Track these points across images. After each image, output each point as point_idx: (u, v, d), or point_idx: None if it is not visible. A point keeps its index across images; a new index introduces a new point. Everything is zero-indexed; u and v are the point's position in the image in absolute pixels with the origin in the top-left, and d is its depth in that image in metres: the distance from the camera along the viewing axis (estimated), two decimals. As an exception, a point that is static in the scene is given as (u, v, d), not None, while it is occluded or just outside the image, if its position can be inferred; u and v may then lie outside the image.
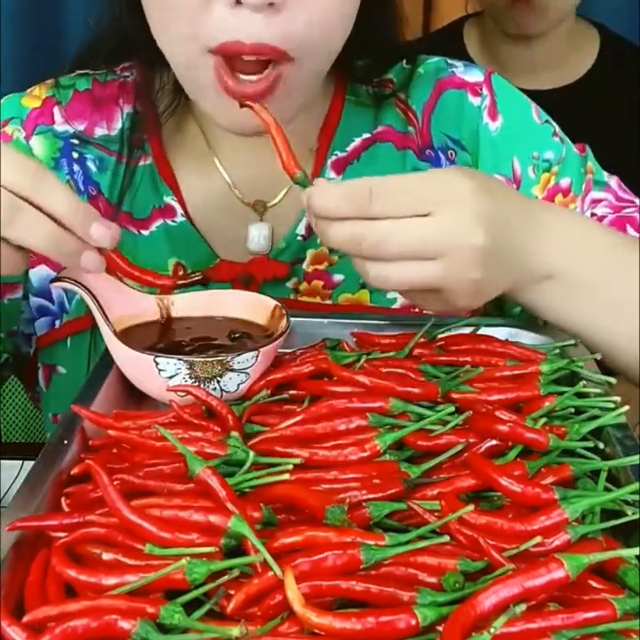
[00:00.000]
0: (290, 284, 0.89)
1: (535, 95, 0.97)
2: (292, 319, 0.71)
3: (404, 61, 0.93)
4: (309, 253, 0.89)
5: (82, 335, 0.88)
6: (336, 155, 0.90)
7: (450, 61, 0.94)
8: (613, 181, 0.93)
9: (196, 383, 0.66)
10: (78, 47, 0.92)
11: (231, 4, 0.69)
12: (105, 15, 0.86)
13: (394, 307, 0.90)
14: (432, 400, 0.66)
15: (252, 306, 0.75)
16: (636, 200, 0.92)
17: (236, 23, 0.69)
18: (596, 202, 0.91)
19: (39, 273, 0.89)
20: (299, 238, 0.89)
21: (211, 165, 0.90)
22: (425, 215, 0.66)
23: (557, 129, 0.93)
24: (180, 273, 0.88)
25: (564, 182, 0.91)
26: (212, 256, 0.88)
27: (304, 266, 0.89)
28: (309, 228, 0.88)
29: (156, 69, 0.87)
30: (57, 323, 0.91)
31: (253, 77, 0.72)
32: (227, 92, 0.73)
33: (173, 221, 0.89)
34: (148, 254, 0.88)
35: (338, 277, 0.90)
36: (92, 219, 0.63)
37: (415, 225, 0.66)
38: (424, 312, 0.89)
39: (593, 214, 0.90)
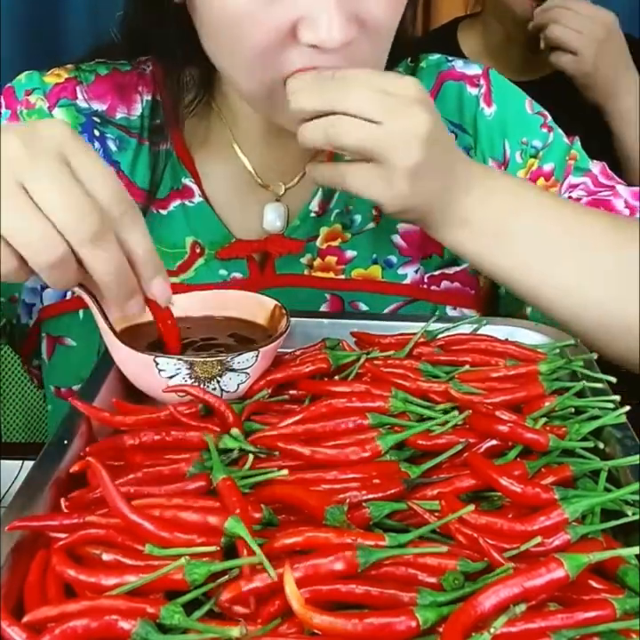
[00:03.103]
0: (304, 260, 0.92)
1: (529, 84, 1.00)
2: (292, 319, 0.71)
3: (408, 60, 0.97)
4: (323, 231, 0.92)
5: None
6: None
7: (450, 58, 0.99)
8: (597, 168, 0.95)
9: (196, 383, 0.66)
10: (95, 41, 0.94)
11: (308, 46, 0.72)
12: (128, 18, 0.88)
13: (404, 282, 0.92)
14: None
15: (252, 306, 0.75)
16: (618, 186, 0.93)
17: (314, 61, 0.73)
18: (573, 186, 0.93)
19: None
20: (312, 215, 0.92)
21: (229, 150, 0.92)
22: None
23: (549, 120, 0.96)
24: (197, 250, 0.91)
25: (548, 167, 0.93)
26: (228, 235, 0.91)
27: (317, 243, 0.92)
28: (322, 205, 0.92)
29: (177, 65, 0.88)
30: (68, 294, 0.91)
31: None
32: None
33: (191, 202, 0.91)
34: (166, 232, 0.90)
35: (350, 253, 0.92)
36: (159, 272, 0.64)
37: (361, 127, 0.71)
38: (436, 290, 0.93)
39: (569, 198, 0.92)
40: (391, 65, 0.95)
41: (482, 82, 0.95)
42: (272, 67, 0.74)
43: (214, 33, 0.77)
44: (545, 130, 0.95)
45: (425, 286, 0.93)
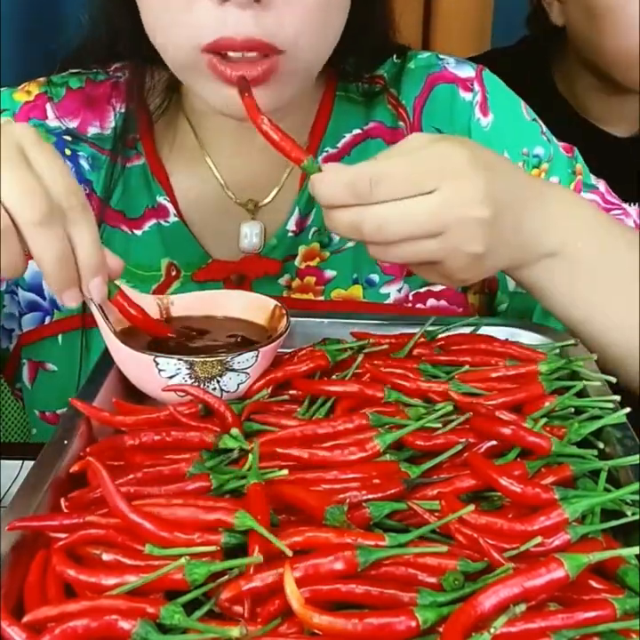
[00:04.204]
0: (282, 281, 0.89)
1: (616, 142, 0.96)
2: (292, 319, 0.71)
3: (394, 57, 0.94)
4: (301, 249, 0.90)
5: (73, 334, 0.88)
6: (327, 151, 0.91)
7: (441, 56, 0.95)
8: (601, 185, 0.94)
9: (196, 383, 0.66)
10: (69, 48, 0.92)
11: (217, 2, 0.70)
12: (96, 16, 0.87)
13: (387, 302, 0.90)
14: None
15: (252, 306, 0.75)
16: (623, 205, 0.93)
17: (223, 20, 0.71)
18: None
19: (32, 267, 0.89)
20: (289, 234, 0.90)
21: (203, 166, 0.90)
22: (428, 193, 0.66)
23: (544, 128, 0.94)
24: (173, 273, 0.89)
25: (553, 180, 0.91)
26: (205, 256, 0.89)
27: (296, 262, 0.90)
28: (300, 224, 0.89)
29: (148, 68, 0.88)
30: (46, 319, 0.90)
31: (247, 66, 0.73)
32: (223, 78, 0.73)
33: (166, 222, 0.89)
34: (141, 254, 0.89)
35: (330, 273, 0.90)
36: (99, 271, 0.64)
37: (415, 206, 0.66)
38: (423, 309, 0.90)
39: None
40: (375, 65, 0.92)
41: (476, 87, 0.92)
42: (186, 33, 0.73)
43: (141, 5, 0.76)
44: (544, 137, 0.93)
45: (409, 305, 0.90)
